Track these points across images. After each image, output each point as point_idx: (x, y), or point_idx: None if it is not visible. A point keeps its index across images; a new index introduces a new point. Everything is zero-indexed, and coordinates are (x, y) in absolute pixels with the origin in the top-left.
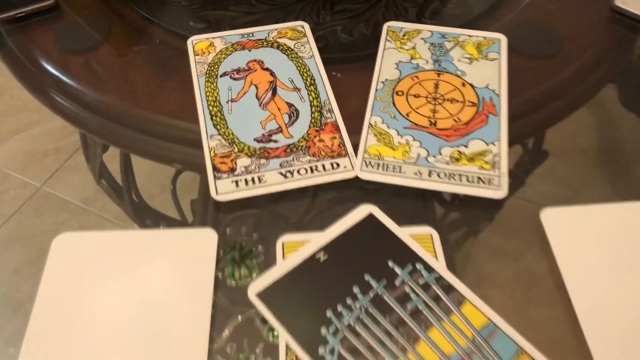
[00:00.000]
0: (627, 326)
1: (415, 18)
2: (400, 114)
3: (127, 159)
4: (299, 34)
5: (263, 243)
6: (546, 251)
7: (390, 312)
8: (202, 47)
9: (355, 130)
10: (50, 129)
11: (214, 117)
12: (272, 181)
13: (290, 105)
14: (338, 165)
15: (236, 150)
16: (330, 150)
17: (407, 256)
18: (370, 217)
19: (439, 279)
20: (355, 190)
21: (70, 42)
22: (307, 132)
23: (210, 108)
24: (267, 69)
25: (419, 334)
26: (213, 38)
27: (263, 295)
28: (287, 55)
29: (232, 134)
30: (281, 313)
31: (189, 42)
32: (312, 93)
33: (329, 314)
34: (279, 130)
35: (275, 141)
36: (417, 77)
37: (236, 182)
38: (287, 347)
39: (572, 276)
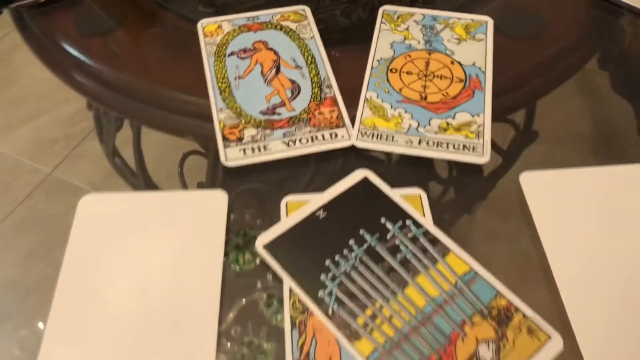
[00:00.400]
0: (597, 277)
1: (408, 2)
2: (394, 89)
3: (138, 143)
4: (300, 17)
5: (269, 203)
6: (524, 211)
7: (382, 261)
8: (211, 29)
9: (352, 104)
10: (59, 117)
11: (223, 93)
12: (276, 149)
13: (292, 81)
14: (336, 135)
15: (243, 122)
16: (329, 122)
17: (398, 214)
18: (365, 180)
19: (426, 233)
20: (351, 157)
21: (89, 26)
22: (308, 105)
23: (219, 84)
24: (271, 49)
25: (407, 280)
26: (221, 21)
27: (269, 247)
28: (290, 37)
29: (240, 108)
30: (285, 262)
31: (199, 25)
32: (313, 71)
33: (327, 263)
34: (282, 104)
35: (279, 114)
36: (409, 56)
37: (244, 150)
38: (291, 291)
39: (549, 235)
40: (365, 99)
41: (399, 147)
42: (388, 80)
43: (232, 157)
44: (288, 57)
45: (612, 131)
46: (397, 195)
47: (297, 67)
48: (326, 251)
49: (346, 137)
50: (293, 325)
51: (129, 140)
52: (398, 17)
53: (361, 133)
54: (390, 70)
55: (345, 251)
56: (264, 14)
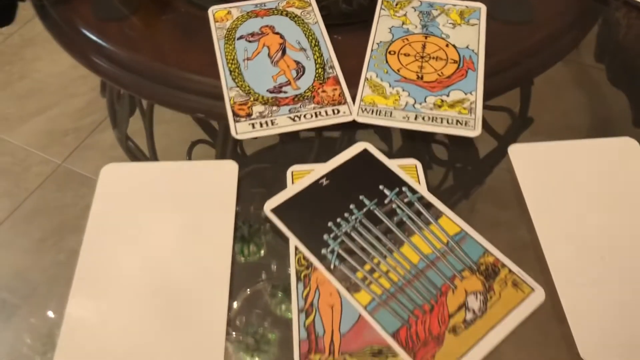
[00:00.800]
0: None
1: None
2: (392, 69)
3: (150, 125)
4: (305, 3)
5: (277, 172)
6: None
7: (380, 223)
8: (221, 15)
9: (353, 84)
10: (69, 110)
11: (233, 73)
12: (283, 124)
13: (297, 62)
14: (338, 111)
15: (252, 99)
16: (331, 99)
17: (395, 181)
18: (365, 152)
19: (421, 198)
20: (352, 131)
21: (106, 12)
22: (312, 84)
23: (229, 65)
24: (277, 33)
25: (403, 239)
26: (230, 7)
27: (276, 211)
28: (295, 22)
29: (249, 86)
30: (291, 224)
31: (210, 11)
32: (316, 53)
33: (330, 224)
34: (288, 83)
35: (285, 92)
36: (407, 39)
37: (252, 124)
38: (296, 249)
39: (535, 202)
40: (366, 79)
41: (396, 122)
42: (387, 61)
43: (241, 130)
44: (293, 40)
45: (608, 123)
46: (395, 165)
47: (302, 49)
48: (328, 214)
49: (347, 113)
50: (298, 278)
51: (137, 132)
52: (397, 4)
53: (361, 109)
54: (389, 52)
55: (346, 214)
56: (271, 1)
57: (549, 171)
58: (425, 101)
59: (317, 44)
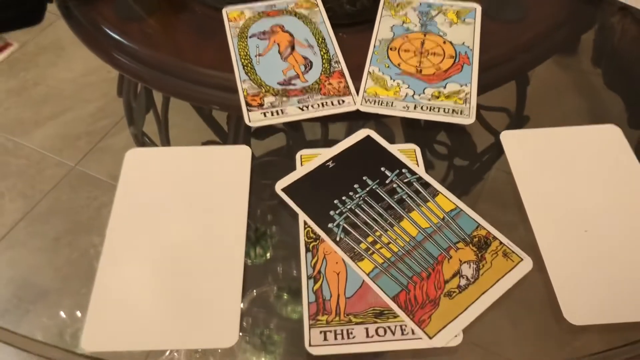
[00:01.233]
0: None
1: None
2: (393, 64)
3: (165, 124)
4: (312, 4)
5: (287, 156)
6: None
7: (382, 201)
8: (234, 15)
9: (357, 77)
10: (82, 114)
11: (246, 67)
12: (292, 113)
13: (305, 58)
14: (343, 101)
15: (263, 90)
16: (337, 91)
17: (395, 164)
18: (368, 138)
19: (419, 179)
20: (356, 119)
21: (127, 12)
22: (319, 77)
23: (242, 61)
24: (287, 32)
25: (402, 215)
26: (243, 8)
27: (286, 190)
28: (303, 21)
29: (260, 79)
30: (300, 201)
31: (224, 11)
32: (323, 49)
33: (335, 202)
34: (297, 76)
35: (294, 84)
36: (407, 37)
37: (264, 113)
38: (305, 224)
39: (524, 183)
40: (369, 72)
41: (397, 111)
42: (388, 56)
43: (254, 118)
44: (301, 38)
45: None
46: (395, 149)
47: (310, 46)
48: (334, 193)
49: (352, 103)
50: (307, 249)
51: (151, 133)
52: (397, 5)
53: (365, 100)
54: (390, 48)
55: (351, 193)
56: (281, 2)
57: (538, 155)
58: (423, 92)
59: (323, 41)
